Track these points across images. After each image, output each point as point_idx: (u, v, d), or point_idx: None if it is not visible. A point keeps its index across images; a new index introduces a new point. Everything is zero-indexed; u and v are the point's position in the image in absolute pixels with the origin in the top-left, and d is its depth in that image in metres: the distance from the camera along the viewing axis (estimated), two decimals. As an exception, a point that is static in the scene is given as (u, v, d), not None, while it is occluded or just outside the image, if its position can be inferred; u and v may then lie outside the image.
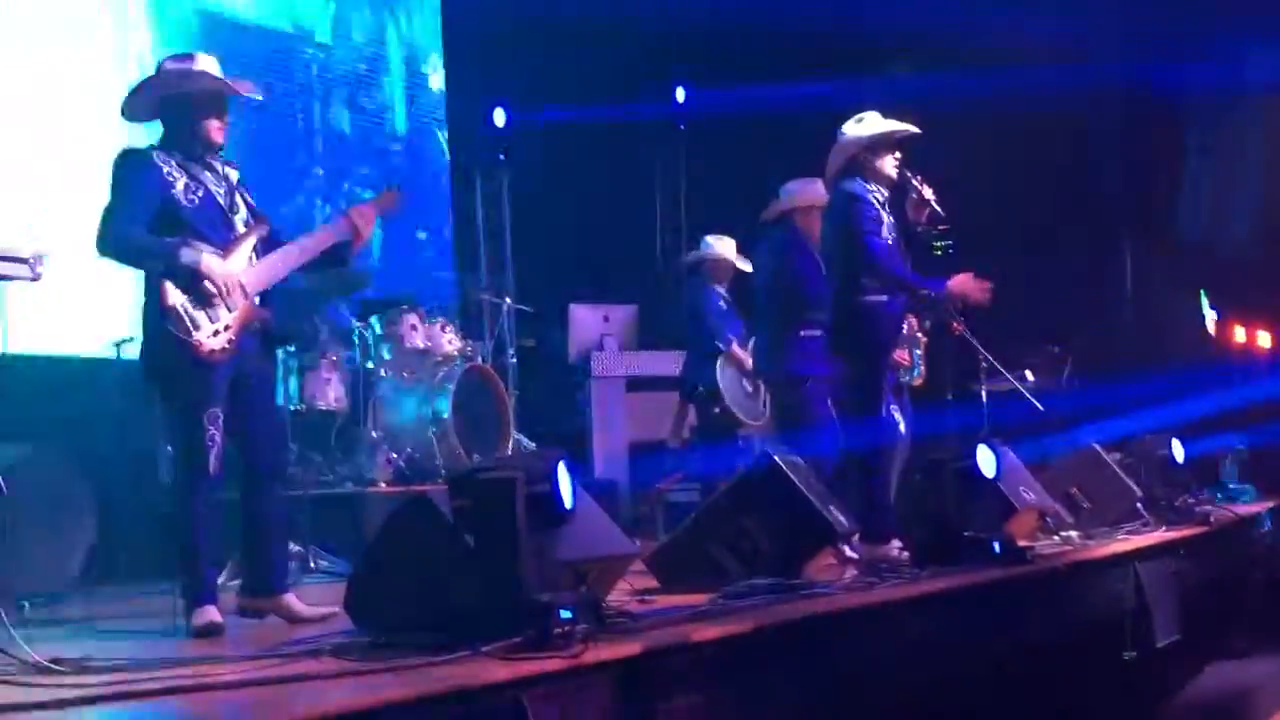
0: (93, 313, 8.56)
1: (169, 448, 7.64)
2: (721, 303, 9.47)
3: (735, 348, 9.38)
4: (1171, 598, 7.54)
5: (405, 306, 9.47)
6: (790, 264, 8.37)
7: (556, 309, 11.39)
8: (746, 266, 9.34)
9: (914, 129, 7.24)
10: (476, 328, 10.73)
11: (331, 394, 8.69)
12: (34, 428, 7.21)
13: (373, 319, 9.29)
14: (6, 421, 6.60)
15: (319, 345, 8.72)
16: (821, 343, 8.09)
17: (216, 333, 5.24)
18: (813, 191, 8.49)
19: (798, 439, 7.66)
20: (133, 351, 8.21)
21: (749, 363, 9.26)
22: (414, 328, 9.32)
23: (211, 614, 5.12)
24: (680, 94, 13.05)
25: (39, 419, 7.39)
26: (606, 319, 11.03)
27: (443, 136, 12.01)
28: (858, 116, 7.26)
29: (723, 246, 9.50)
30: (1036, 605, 6.28)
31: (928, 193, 7.21)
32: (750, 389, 9.42)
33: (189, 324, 5.18)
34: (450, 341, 9.52)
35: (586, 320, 10.92)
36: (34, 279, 4.50)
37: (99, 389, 8.08)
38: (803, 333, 8.19)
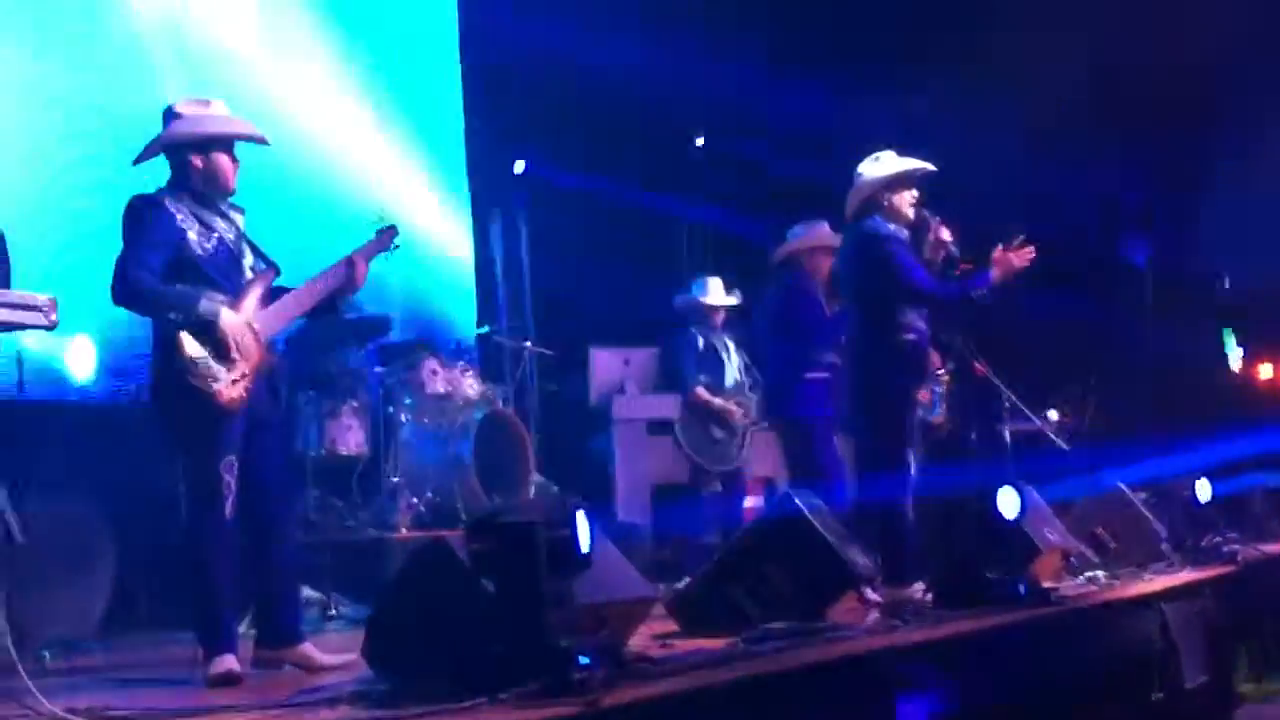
0: (110, 358, 8.57)
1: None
2: (700, 344, 9.68)
3: (700, 391, 9.45)
4: (1199, 638, 7.46)
5: (426, 351, 9.46)
6: (796, 307, 8.39)
7: (577, 352, 11.36)
8: (733, 300, 9.60)
9: (931, 167, 7.21)
10: (497, 372, 10.71)
11: (353, 439, 8.68)
12: (52, 475, 7.20)
13: (392, 364, 9.29)
14: (25, 469, 6.59)
15: (340, 391, 8.71)
16: (827, 384, 8.11)
17: (234, 381, 5.24)
18: (819, 233, 8.52)
19: (809, 482, 7.65)
20: (144, 397, 8.27)
21: (717, 404, 9.31)
22: (434, 372, 9.31)
23: (229, 663, 5.09)
24: (699, 140, 13.05)
25: (57, 466, 7.38)
26: (627, 362, 10.98)
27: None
28: (874, 156, 7.23)
29: (709, 290, 9.72)
30: (1062, 647, 6.22)
31: (945, 234, 7.17)
32: (720, 435, 9.46)
33: (208, 375, 5.19)
34: (471, 385, 9.50)
35: (607, 363, 10.87)
36: (49, 326, 4.49)
37: (118, 435, 8.07)
38: (808, 375, 8.21)
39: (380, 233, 5.97)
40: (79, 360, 8.04)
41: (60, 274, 7.42)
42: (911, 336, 7.08)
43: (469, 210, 12.26)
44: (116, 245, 5.34)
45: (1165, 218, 12.96)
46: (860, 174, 7.24)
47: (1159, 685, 6.94)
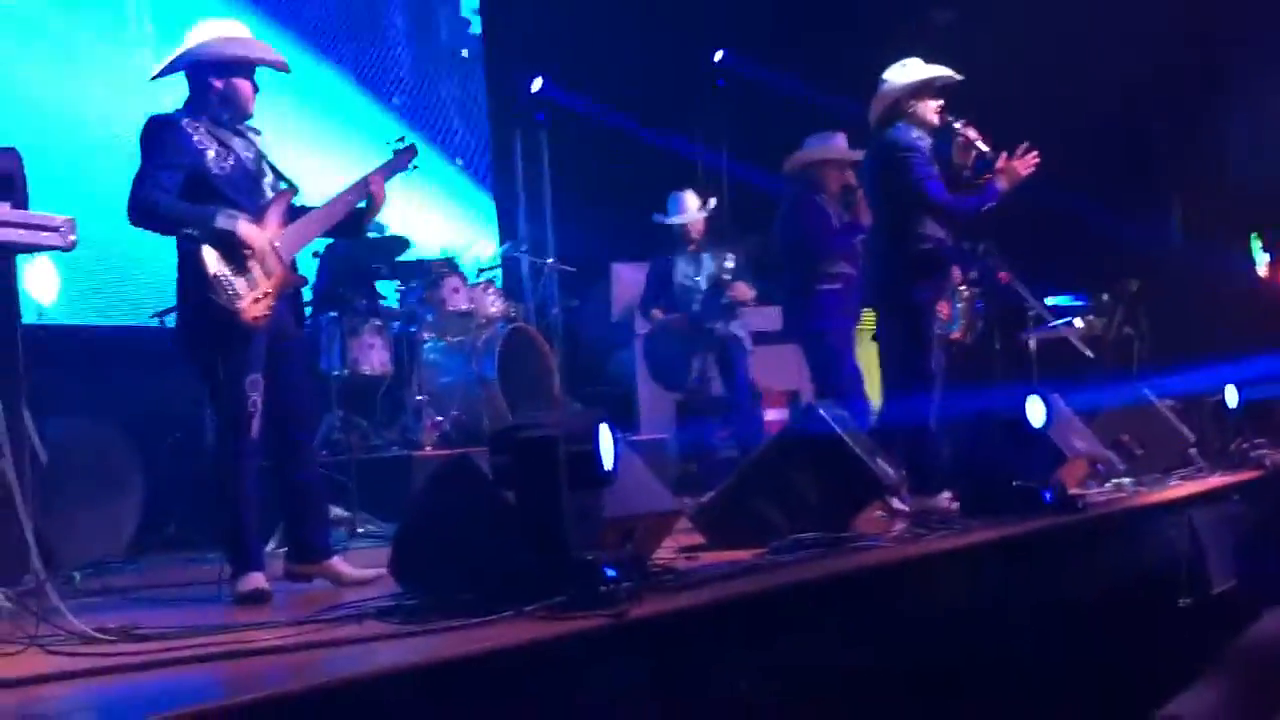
0: (133, 282, 8.59)
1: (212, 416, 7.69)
2: (675, 270, 9.78)
3: (655, 313, 9.71)
4: (1226, 543, 7.46)
5: (447, 269, 9.44)
6: (806, 219, 8.37)
7: (599, 268, 11.34)
8: (701, 215, 9.79)
9: (957, 75, 7.15)
10: (519, 289, 10.69)
11: (376, 359, 8.68)
12: (78, 400, 7.23)
13: (414, 282, 9.27)
14: (51, 394, 6.60)
15: (361, 311, 8.71)
16: (841, 296, 8.10)
17: (257, 299, 5.21)
18: (832, 146, 8.47)
19: (831, 393, 7.65)
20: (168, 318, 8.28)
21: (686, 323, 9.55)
22: (456, 290, 9.30)
23: (257, 580, 5.11)
24: (719, 55, 12.93)
25: (83, 391, 7.41)
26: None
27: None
28: (901, 63, 7.17)
29: (680, 207, 9.83)
30: (1089, 554, 6.22)
31: (973, 134, 7.11)
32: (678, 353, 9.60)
33: (230, 292, 5.16)
34: (493, 303, 9.50)
35: (629, 279, 10.86)
36: (67, 247, 4.46)
37: (142, 359, 8.08)
38: (821, 287, 8.20)
39: (398, 153, 5.93)
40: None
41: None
42: (929, 245, 7.04)
43: (487, 128, 12.20)
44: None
45: (1193, 122, 12.84)
46: (885, 80, 7.18)
47: (1186, 590, 6.95)
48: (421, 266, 9.60)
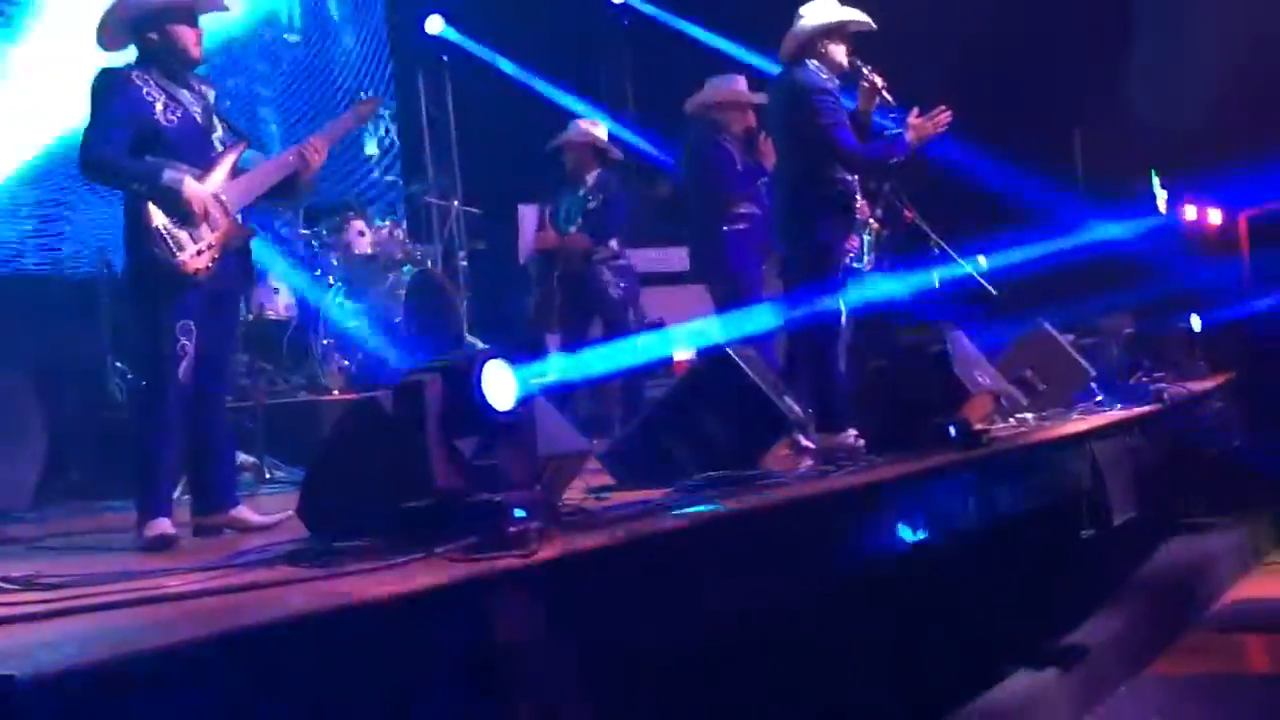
0: (38, 230, 8.47)
1: (117, 363, 7.61)
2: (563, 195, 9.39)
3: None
4: (1128, 476, 7.58)
5: (352, 212, 9.38)
6: (710, 161, 8.40)
7: (504, 210, 11.29)
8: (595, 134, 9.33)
9: (869, 22, 7.12)
10: (425, 231, 10.64)
11: (281, 303, 8.63)
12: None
13: (318, 225, 9.20)
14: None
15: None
16: (746, 236, 8.14)
17: (200, 251, 5.27)
18: (733, 88, 8.50)
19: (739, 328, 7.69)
20: (76, 270, 8.19)
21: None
22: (361, 234, 9.24)
23: (164, 526, 5.09)
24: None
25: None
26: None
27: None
28: (817, 1, 7.14)
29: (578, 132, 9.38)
30: (993, 488, 6.30)
31: (879, 81, 7.12)
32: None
33: (172, 245, 5.21)
34: (399, 246, 9.43)
35: (535, 220, 10.82)
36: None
37: (44, 307, 7.99)
38: (727, 228, 8.24)
39: (358, 104, 6.07)
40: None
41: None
42: (838, 188, 7.04)
43: (390, 68, 12.09)
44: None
45: (1094, 59, 12.96)
46: (801, 15, 7.14)
47: (1088, 522, 7.06)
48: (325, 209, 9.52)
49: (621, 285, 9.24)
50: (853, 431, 6.80)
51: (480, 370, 4.27)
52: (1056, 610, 6.77)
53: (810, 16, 7.09)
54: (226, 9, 5.73)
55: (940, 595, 5.63)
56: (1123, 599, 7.42)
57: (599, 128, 9.41)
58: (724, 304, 8.38)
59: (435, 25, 11.84)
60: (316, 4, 11.63)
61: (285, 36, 11.32)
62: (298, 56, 11.36)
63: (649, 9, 12.79)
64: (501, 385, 4.30)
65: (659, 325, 10.30)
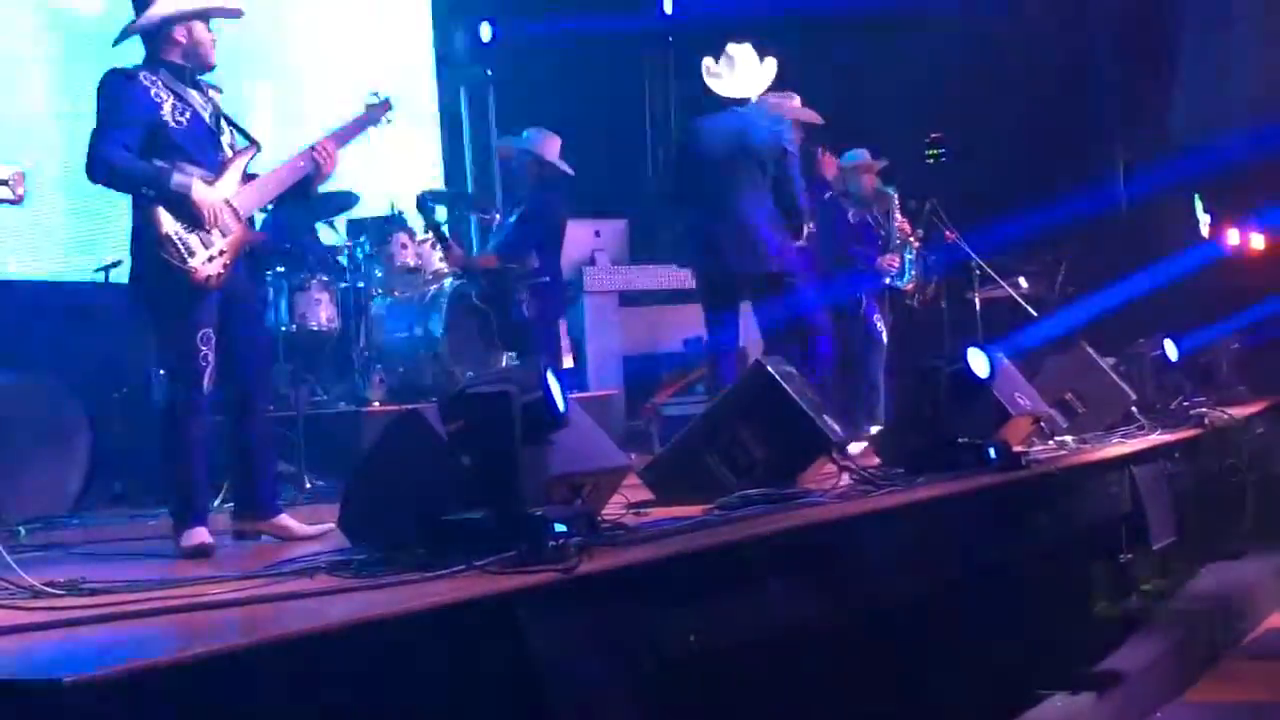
0: (80, 236, 8.52)
1: (160, 371, 7.65)
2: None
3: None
4: (1167, 500, 7.55)
5: (395, 225, 9.40)
6: None
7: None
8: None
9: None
10: (468, 245, 10.67)
11: (323, 314, 8.64)
12: (24, 354, 7.19)
13: (361, 237, 9.23)
14: (-4, 348, 6.59)
15: (308, 266, 8.67)
16: (806, 253, 8.20)
17: (211, 258, 5.22)
18: (789, 104, 8.51)
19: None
20: (121, 275, 8.23)
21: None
22: (404, 246, 9.26)
23: (201, 535, 5.11)
24: (668, 4, 12.91)
25: (29, 345, 7.37)
26: (598, 234, 10.97)
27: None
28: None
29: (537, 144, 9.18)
30: (1032, 510, 6.28)
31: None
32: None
33: (183, 251, 5.17)
34: (440, 259, 9.45)
35: (578, 235, 10.84)
36: (15, 200, 4.43)
37: (89, 313, 8.04)
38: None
39: (371, 107, 5.96)
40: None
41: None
42: None
43: (435, 80, 12.14)
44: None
45: (1137, 87, 12.92)
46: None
47: (1127, 546, 7.03)
48: (370, 222, 9.56)
49: (534, 305, 9.04)
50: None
51: (548, 379, 4.29)
52: (1094, 635, 6.74)
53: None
54: (241, 14, 5.69)
55: (978, 618, 5.61)
56: (1160, 624, 7.38)
57: (551, 143, 9.24)
58: (778, 314, 8.44)
59: (485, 34, 11.87)
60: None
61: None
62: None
63: (693, 28, 12.82)
64: (556, 392, 4.32)
65: (577, 348, 10.07)
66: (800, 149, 8.40)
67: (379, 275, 9.13)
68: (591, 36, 11.90)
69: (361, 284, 8.99)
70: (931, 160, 7.96)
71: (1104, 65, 12.94)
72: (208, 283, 5.22)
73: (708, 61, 7.82)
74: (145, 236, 5.20)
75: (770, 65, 7.79)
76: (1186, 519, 7.79)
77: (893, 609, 5.03)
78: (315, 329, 8.58)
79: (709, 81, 7.77)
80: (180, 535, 5.13)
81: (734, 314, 7.91)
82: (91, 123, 5.27)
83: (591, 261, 10.80)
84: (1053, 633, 6.25)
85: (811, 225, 8.34)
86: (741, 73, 7.77)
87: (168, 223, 5.15)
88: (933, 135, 7.37)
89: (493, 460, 4.08)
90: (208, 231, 5.22)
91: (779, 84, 8.19)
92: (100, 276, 8.09)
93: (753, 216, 7.67)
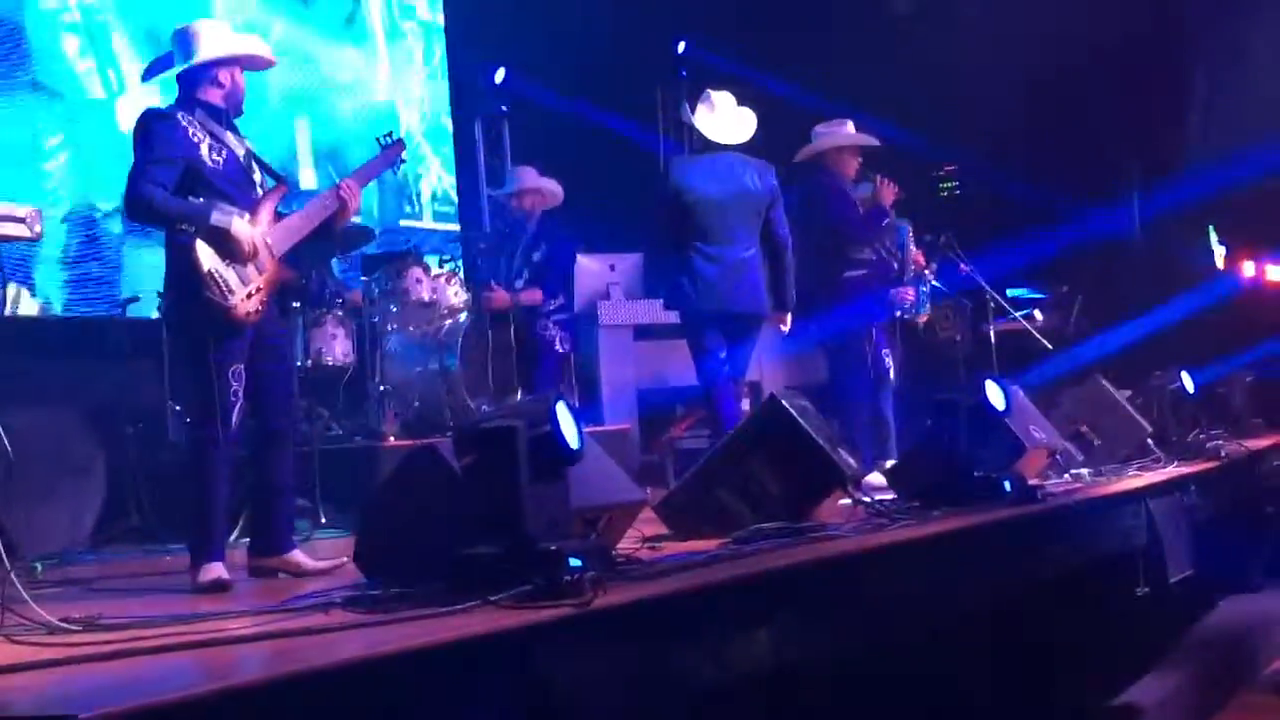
0: (97, 273, 8.56)
1: (176, 406, 7.68)
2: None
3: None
4: (1184, 533, 7.53)
5: (411, 259, 9.43)
6: (832, 206, 8.50)
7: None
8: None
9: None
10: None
11: (338, 349, 8.67)
12: (40, 389, 7.21)
13: (377, 273, 9.26)
14: (12, 383, 6.59)
15: (325, 301, 8.70)
16: (865, 283, 8.23)
17: (249, 294, 5.29)
18: (844, 131, 8.55)
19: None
20: (138, 310, 8.27)
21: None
22: (419, 281, 9.27)
23: (218, 570, 5.12)
24: (680, 46, 12.95)
25: (45, 380, 7.39)
26: (613, 268, 10.97)
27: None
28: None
29: (520, 177, 9.29)
30: (1048, 544, 6.27)
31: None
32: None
33: (223, 288, 5.22)
34: (455, 294, 9.47)
35: (592, 270, 10.86)
36: (34, 238, 4.49)
37: (104, 349, 8.07)
38: (847, 274, 8.31)
39: (386, 148, 6.01)
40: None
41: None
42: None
43: (450, 118, 12.20)
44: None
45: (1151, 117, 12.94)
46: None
47: (1144, 580, 7.01)
48: (384, 257, 9.59)
49: (568, 342, 9.28)
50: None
51: (557, 413, 4.29)
52: (1112, 668, 6.72)
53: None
54: (274, 64, 5.81)
55: (993, 652, 5.60)
56: (1177, 658, 7.35)
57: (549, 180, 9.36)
58: (838, 355, 8.50)
59: (500, 77, 11.96)
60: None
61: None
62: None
63: (708, 57, 12.85)
64: (567, 425, 4.32)
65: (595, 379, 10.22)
66: (859, 174, 8.49)
67: (393, 310, 9.14)
68: (606, 72, 11.95)
69: (376, 319, 9.01)
70: (944, 194, 7.96)
71: (1118, 93, 12.94)
72: (246, 319, 5.27)
73: (700, 106, 7.87)
74: (183, 273, 5.25)
75: (749, 115, 7.85)
76: (1203, 552, 7.76)
77: (908, 643, 5.02)
78: (331, 364, 8.61)
79: (699, 123, 7.81)
80: (197, 571, 5.14)
81: (719, 347, 7.91)
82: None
83: (606, 295, 10.81)
84: (1070, 666, 6.23)
85: (869, 252, 8.40)
86: (724, 119, 7.83)
87: (207, 259, 5.20)
88: (946, 168, 7.39)
89: (498, 495, 4.09)
90: (244, 267, 5.29)
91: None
92: (117, 312, 8.12)
93: (751, 258, 7.74)
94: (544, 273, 9.20)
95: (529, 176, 9.41)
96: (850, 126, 8.60)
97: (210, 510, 5.25)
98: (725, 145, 7.77)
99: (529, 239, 9.30)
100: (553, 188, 9.43)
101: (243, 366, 5.31)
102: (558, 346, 9.18)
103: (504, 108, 11.67)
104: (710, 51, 12.37)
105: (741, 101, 7.91)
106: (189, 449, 5.38)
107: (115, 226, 8.66)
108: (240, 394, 5.29)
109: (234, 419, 5.28)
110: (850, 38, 10.15)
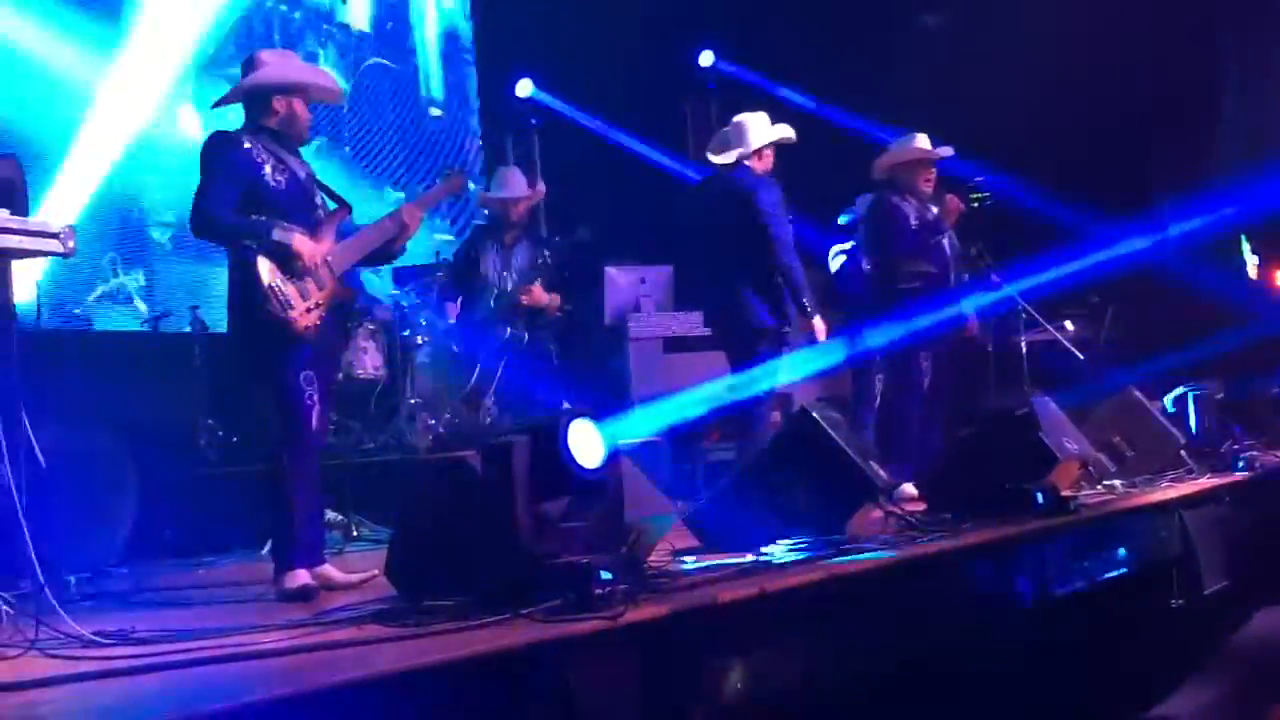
0: (130, 288, 8.59)
1: (209, 421, 7.69)
2: (495, 254, 8.93)
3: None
4: (1218, 545, 7.48)
5: (441, 273, 9.44)
6: (883, 220, 8.49)
7: (592, 272, 11.34)
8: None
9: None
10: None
11: (370, 362, 8.69)
12: (73, 404, 7.24)
13: (409, 287, 9.28)
14: (46, 398, 6.61)
15: (355, 315, 8.70)
16: (920, 295, 8.22)
17: (309, 309, 5.40)
18: (915, 144, 8.55)
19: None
20: (170, 325, 8.30)
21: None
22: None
23: (303, 577, 5.20)
24: (708, 57, 12.96)
25: (77, 395, 7.42)
26: (643, 281, 10.97)
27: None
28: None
29: (507, 183, 9.00)
30: (1081, 555, 6.24)
31: None
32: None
33: (284, 302, 5.33)
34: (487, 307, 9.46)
35: (622, 282, 10.86)
36: (67, 254, 4.54)
37: (138, 364, 8.10)
38: (901, 286, 8.32)
39: (447, 179, 6.40)
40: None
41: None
42: None
43: (478, 132, 12.24)
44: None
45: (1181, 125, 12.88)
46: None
47: (1178, 591, 6.97)
48: (416, 271, 9.61)
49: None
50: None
51: (566, 430, 4.29)
52: (1146, 681, 6.68)
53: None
54: (343, 102, 5.93)
55: (1027, 664, 5.57)
56: (1213, 670, 7.30)
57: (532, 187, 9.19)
58: (892, 361, 8.52)
59: (524, 89, 11.98)
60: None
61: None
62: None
63: (735, 70, 12.87)
64: (588, 444, 4.32)
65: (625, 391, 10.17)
66: (936, 190, 8.49)
67: (424, 323, 9.15)
68: (634, 85, 11.97)
69: (407, 332, 9.03)
70: (976, 205, 7.94)
71: (1150, 103, 12.89)
72: (305, 333, 5.38)
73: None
74: (246, 289, 5.36)
75: (783, 129, 7.87)
76: (1238, 563, 7.71)
77: (941, 655, 5.00)
78: (362, 377, 8.64)
79: (710, 152, 7.89)
80: (282, 577, 5.20)
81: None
82: None
83: (637, 308, 10.81)
84: (1107, 679, 6.20)
85: (924, 264, 8.41)
86: (746, 137, 7.83)
87: (268, 275, 5.32)
88: (976, 179, 7.37)
89: (499, 510, 4.11)
90: (304, 282, 5.40)
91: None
92: (149, 328, 8.15)
93: (745, 277, 7.76)
94: (559, 275, 9.12)
95: (520, 186, 9.06)
96: (921, 140, 8.59)
97: (294, 516, 5.31)
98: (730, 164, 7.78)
99: (525, 245, 9.22)
100: (539, 189, 9.28)
101: (312, 373, 5.41)
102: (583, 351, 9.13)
103: (533, 121, 11.70)
104: (739, 64, 12.40)
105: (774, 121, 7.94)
106: (273, 456, 5.42)
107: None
108: (315, 398, 5.40)
109: (314, 422, 5.40)
110: (879, 51, 10.11)
